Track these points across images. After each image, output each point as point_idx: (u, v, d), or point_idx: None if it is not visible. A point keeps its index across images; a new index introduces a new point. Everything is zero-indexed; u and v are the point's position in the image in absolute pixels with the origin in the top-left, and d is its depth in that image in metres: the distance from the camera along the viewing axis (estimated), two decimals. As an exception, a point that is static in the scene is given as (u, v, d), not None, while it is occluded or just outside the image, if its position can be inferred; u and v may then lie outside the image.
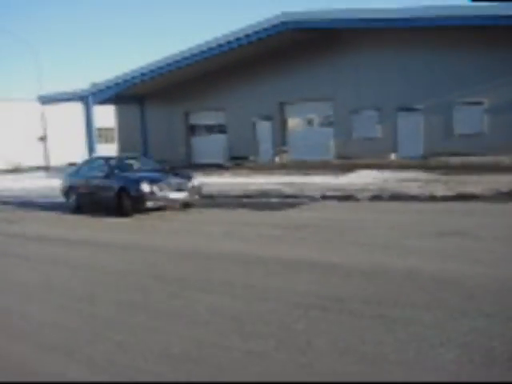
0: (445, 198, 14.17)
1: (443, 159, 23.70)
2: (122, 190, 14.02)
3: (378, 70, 26.63)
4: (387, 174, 20.95)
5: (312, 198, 15.79)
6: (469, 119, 24.55)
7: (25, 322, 6.15)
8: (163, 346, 5.12)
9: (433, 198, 14.34)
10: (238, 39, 26.96)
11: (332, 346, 4.85)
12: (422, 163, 23.67)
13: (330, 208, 14.19)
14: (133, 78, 30.00)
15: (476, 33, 23.34)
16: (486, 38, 23.38)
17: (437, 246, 8.66)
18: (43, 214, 16.26)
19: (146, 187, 13.71)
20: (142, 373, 4.57)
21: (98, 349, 5.16)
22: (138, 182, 13.94)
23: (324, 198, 15.83)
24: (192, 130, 34.52)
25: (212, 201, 16.70)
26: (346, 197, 15.59)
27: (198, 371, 4.53)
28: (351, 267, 7.52)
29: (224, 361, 4.70)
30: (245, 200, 16.61)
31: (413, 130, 25.70)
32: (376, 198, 15.18)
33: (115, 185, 14.28)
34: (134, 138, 35.85)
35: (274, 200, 16.17)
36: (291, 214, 13.39)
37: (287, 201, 15.77)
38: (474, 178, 18.32)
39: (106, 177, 14.82)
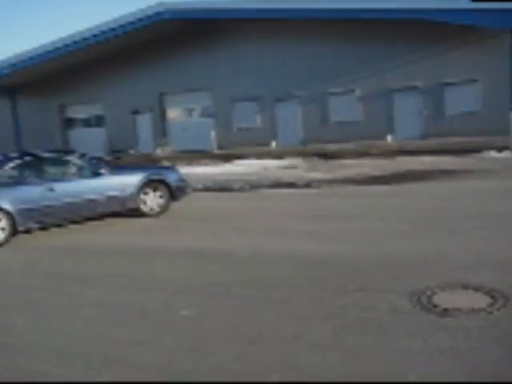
0: (322, 183, 14.74)
1: (320, 146, 24.61)
2: None
3: (257, 60, 27.08)
4: (267, 163, 21.47)
5: (194, 188, 15.83)
6: (343, 107, 25.66)
7: None
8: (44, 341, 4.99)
9: (309, 184, 14.86)
10: (112, 29, 26.33)
11: (217, 329, 4.95)
12: (301, 150, 24.44)
13: (212, 198, 14.28)
14: (2, 68, 28.38)
15: (348, 26, 24.39)
16: (358, 31, 24.50)
17: (315, 228, 9.01)
18: None
19: None
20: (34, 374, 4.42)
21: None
22: None
23: (206, 188, 15.94)
24: (69, 123, 33.30)
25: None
26: (224, 187, 15.77)
27: (82, 365, 4.45)
28: (233, 253, 7.67)
29: (111, 352, 4.66)
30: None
31: (291, 119, 26.45)
32: (256, 186, 15.49)
33: None
34: (4, 132, 33.97)
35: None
36: (173, 205, 13.34)
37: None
38: (348, 162, 19.26)
39: None
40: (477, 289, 5.39)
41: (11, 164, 10.32)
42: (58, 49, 27.51)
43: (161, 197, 11.48)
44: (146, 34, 27.30)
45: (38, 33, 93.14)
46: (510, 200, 10.45)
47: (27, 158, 10.71)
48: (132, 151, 29.69)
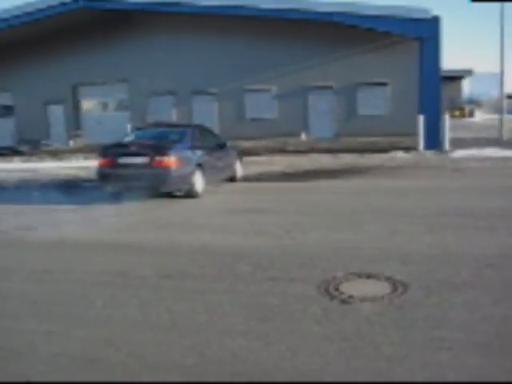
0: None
1: (236, 143, 24.81)
2: None
3: (174, 54, 27.01)
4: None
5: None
6: (259, 105, 26.05)
7: None
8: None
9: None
10: (26, 14, 25.42)
11: (130, 319, 5.00)
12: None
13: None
14: None
15: (267, 24, 24.78)
16: (275, 29, 24.94)
17: (227, 222, 9.19)
18: None
19: None
20: None
21: None
22: None
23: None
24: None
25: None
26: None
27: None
28: (146, 245, 7.71)
29: (19, 343, 4.61)
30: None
31: (207, 114, 26.56)
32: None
33: None
34: None
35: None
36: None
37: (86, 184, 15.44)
38: (260, 159, 19.61)
39: None
40: (380, 278, 5.73)
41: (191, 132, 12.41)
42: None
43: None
44: (60, 21, 26.60)
45: None
46: (416, 195, 11.05)
47: (198, 128, 13.30)
48: (44, 142, 28.81)
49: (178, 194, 11.91)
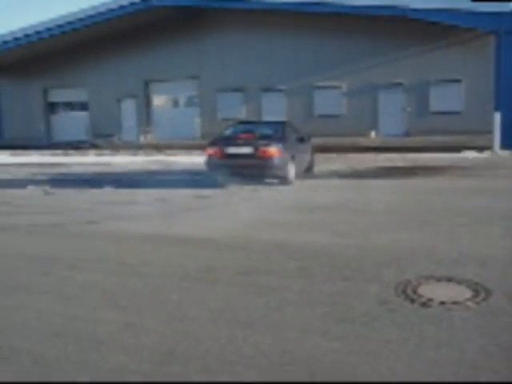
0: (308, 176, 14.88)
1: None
2: None
3: (244, 50, 27.12)
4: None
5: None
6: (328, 101, 25.83)
7: None
8: (35, 323, 5.03)
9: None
10: (100, 14, 26.21)
11: (207, 314, 5.04)
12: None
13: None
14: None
15: (336, 20, 24.54)
16: (345, 25, 24.66)
17: (301, 219, 9.14)
18: None
19: None
20: (20, 353, 4.47)
21: (-37, 329, 4.95)
22: None
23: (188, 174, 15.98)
24: (52, 106, 33.01)
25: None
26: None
27: (75, 347, 4.51)
28: (221, 241, 7.75)
29: (101, 334, 4.72)
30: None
31: (276, 111, 26.54)
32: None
33: None
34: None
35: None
36: (161, 192, 13.38)
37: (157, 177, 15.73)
38: (332, 156, 19.43)
39: None
40: (460, 282, 5.55)
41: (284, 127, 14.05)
42: (48, 29, 27.27)
43: None
44: (134, 19, 27.19)
45: (28, 13, 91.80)
46: (491, 197, 10.68)
47: (287, 123, 15.06)
48: (116, 136, 29.58)
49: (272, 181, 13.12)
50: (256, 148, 12.46)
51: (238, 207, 10.71)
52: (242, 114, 26.93)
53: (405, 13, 21.82)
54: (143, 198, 12.42)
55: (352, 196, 11.65)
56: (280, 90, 26.48)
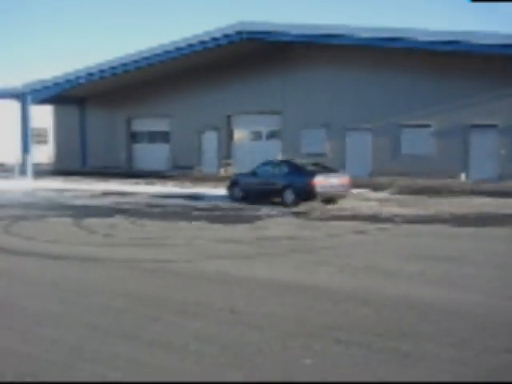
0: (403, 218, 13.95)
1: (391, 179, 23.77)
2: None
3: (329, 86, 26.57)
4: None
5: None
6: (416, 141, 24.82)
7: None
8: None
9: (391, 220, 14.07)
10: (190, 45, 26.32)
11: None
12: (370, 182, 23.64)
13: (279, 224, 13.62)
14: (78, 77, 28.62)
15: (427, 57, 23.71)
16: (437, 63, 23.77)
17: (422, 270, 8.26)
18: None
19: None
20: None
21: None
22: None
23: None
24: (134, 136, 33.42)
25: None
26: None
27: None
28: (338, 292, 7.00)
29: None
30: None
31: (361, 149, 25.73)
32: (336, 216, 14.79)
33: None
34: (71, 140, 34.39)
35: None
36: (258, 225, 12.79)
37: (242, 213, 15.18)
38: (426, 199, 18.38)
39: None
40: None
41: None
42: (134, 61, 27.62)
43: None
44: (219, 53, 27.22)
45: (116, 45, 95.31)
46: None
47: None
48: (196, 168, 29.45)
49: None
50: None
51: (352, 254, 9.93)
52: (326, 150, 26.26)
53: (506, 50, 20.78)
54: (240, 234, 11.85)
55: (468, 245, 10.66)
56: (365, 128, 25.69)
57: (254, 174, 18.37)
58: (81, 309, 6.45)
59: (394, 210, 15.77)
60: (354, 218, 14.34)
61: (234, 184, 18.74)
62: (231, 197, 18.50)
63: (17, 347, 5.24)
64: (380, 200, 18.40)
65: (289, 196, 16.67)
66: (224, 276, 7.93)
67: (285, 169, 17.46)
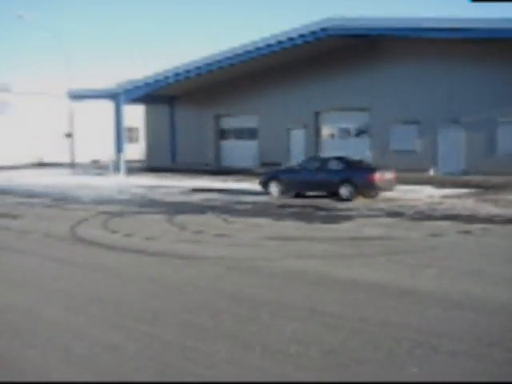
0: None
1: (486, 177, 22.71)
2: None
3: (419, 81, 25.75)
4: (430, 190, 20.14)
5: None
6: (512, 137, 23.64)
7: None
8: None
9: (492, 220, 13.41)
10: (279, 42, 26.14)
11: None
12: (464, 180, 22.72)
13: (380, 223, 13.27)
14: (166, 77, 29.26)
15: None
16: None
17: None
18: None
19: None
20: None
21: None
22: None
23: (370, 210, 14.99)
24: (222, 133, 33.78)
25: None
26: (395, 213, 14.73)
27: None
28: (443, 297, 6.69)
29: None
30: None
31: (453, 146, 24.77)
32: (424, 216, 14.28)
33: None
34: (161, 138, 35.23)
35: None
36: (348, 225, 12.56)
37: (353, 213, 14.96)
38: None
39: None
40: None
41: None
42: (227, 58, 27.82)
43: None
44: (306, 49, 26.98)
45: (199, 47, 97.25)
46: None
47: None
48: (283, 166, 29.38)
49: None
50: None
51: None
52: (416, 146, 25.47)
53: None
54: (332, 233, 11.67)
55: None
56: (459, 123, 24.67)
57: (296, 169, 19.57)
58: (178, 306, 6.51)
59: (490, 209, 15.04)
60: (448, 217, 13.78)
61: (271, 179, 19.23)
62: (265, 192, 19.04)
63: (121, 343, 5.33)
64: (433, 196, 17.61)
65: (345, 190, 17.40)
66: (320, 277, 7.79)
67: (340, 164, 18.29)
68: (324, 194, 18.27)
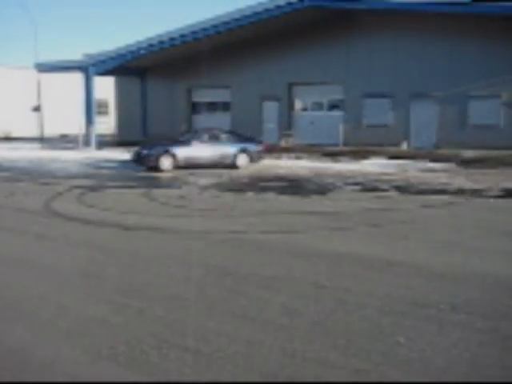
0: (477, 192, 13.50)
1: (456, 151, 23.03)
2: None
3: (393, 55, 25.85)
4: (402, 163, 20.36)
5: (337, 187, 15.05)
6: (484, 111, 23.95)
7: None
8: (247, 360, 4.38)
9: (462, 192, 13.64)
10: (247, 16, 25.78)
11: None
12: (434, 154, 23.01)
13: (355, 198, 13.40)
14: (138, 49, 28.65)
15: (499, 24, 22.69)
16: (509, 29, 22.71)
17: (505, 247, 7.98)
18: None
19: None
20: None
21: (169, 356, 4.41)
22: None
23: (346, 184, 15.11)
24: (194, 106, 33.44)
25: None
26: (371, 187, 14.86)
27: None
28: (424, 267, 6.81)
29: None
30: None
31: (426, 119, 25.01)
32: (400, 189, 14.45)
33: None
34: (132, 111, 34.67)
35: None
36: (329, 200, 12.64)
37: (314, 187, 15.03)
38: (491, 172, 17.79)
39: None
40: None
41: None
42: (192, 33, 27.44)
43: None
44: (280, 22, 26.73)
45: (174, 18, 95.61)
46: None
47: None
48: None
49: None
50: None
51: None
52: (389, 120, 25.64)
53: None
54: (303, 205, 11.72)
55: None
56: (431, 97, 24.88)
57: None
58: (164, 279, 6.49)
59: (466, 183, 15.29)
60: (421, 191, 13.97)
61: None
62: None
63: (107, 317, 5.31)
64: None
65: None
66: (301, 249, 7.84)
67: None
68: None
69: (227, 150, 19.61)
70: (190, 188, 14.64)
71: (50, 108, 40.84)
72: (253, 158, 19.99)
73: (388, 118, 25.86)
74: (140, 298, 5.82)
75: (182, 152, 19.06)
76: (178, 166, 18.82)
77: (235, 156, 19.60)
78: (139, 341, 4.72)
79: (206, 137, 19.96)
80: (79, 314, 5.39)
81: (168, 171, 18.45)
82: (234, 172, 18.65)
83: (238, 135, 21.25)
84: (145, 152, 19.03)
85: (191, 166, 19.03)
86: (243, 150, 19.82)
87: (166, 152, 18.87)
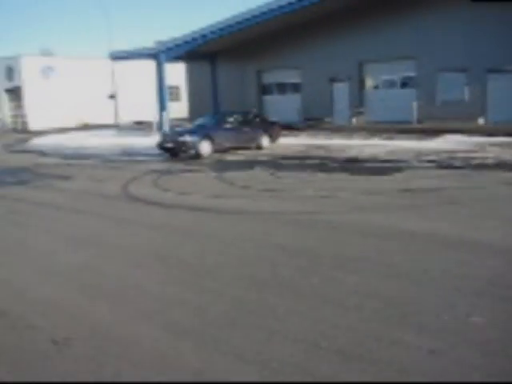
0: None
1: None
2: None
3: (468, 27, 24.82)
4: (480, 139, 19.69)
5: (409, 163, 14.76)
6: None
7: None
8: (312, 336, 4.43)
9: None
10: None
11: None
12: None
13: (429, 176, 13.10)
14: (211, 32, 28.72)
15: None
16: None
17: None
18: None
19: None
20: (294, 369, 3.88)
21: (238, 336, 4.52)
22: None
23: (420, 162, 14.78)
24: (264, 88, 33.51)
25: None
26: (446, 165, 14.48)
27: (371, 371, 3.80)
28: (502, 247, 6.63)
29: (407, 362, 3.95)
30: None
31: (504, 93, 24.00)
32: (478, 166, 14.01)
33: None
34: (204, 96, 35.14)
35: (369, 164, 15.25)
36: (403, 178, 12.45)
37: (386, 165, 14.80)
38: None
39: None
40: None
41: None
42: (263, 13, 27.22)
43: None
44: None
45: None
46: None
47: None
48: (327, 119, 29.08)
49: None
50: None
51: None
52: (465, 95, 24.76)
53: None
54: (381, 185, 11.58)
55: None
56: (508, 71, 23.83)
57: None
58: (238, 260, 6.62)
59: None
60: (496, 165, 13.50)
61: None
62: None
63: (184, 297, 5.48)
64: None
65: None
66: (376, 229, 7.78)
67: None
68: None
69: (252, 132, 20.45)
70: (255, 172, 14.67)
71: (125, 96, 41.96)
72: (272, 139, 21.33)
73: (463, 93, 24.99)
74: (215, 279, 5.96)
75: (219, 136, 19.20)
76: (215, 151, 18.97)
77: (260, 137, 20.57)
78: (215, 319, 4.86)
79: (232, 120, 20.48)
80: (158, 295, 5.59)
81: (207, 156, 18.53)
82: (274, 151, 19.57)
83: (256, 116, 22.70)
84: (183, 138, 18.68)
85: (221, 149, 19.25)
86: (265, 131, 20.96)
87: (206, 137, 18.86)
